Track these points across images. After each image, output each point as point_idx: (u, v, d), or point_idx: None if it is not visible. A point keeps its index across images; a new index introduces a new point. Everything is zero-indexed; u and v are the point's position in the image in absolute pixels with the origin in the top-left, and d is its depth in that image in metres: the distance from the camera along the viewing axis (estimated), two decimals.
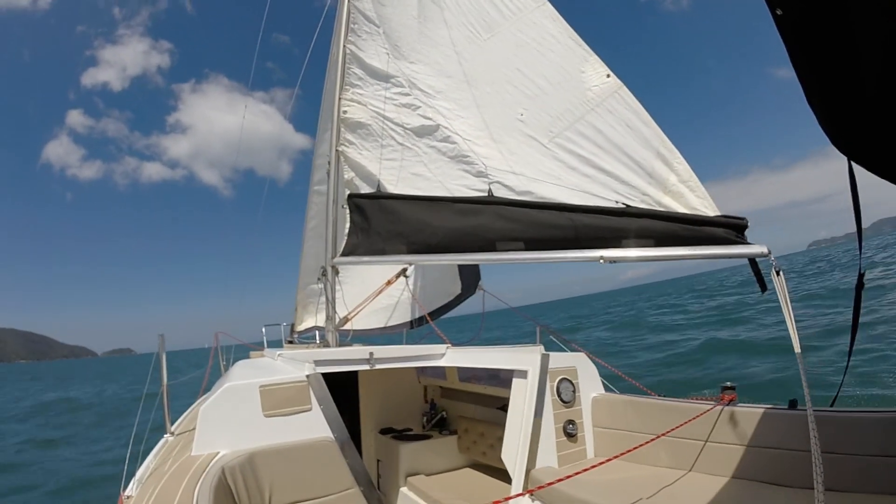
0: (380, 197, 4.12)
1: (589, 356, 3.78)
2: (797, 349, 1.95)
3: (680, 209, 2.69)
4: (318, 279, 4.79)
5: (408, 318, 6.43)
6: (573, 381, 3.53)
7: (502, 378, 3.96)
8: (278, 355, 3.69)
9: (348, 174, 4.44)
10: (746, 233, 2.50)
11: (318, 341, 6.65)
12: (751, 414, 2.83)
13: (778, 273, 2.13)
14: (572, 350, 3.91)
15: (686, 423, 2.97)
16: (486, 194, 3.46)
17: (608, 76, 3.09)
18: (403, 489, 4.27)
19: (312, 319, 7.00)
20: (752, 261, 2.36)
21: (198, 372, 5.18)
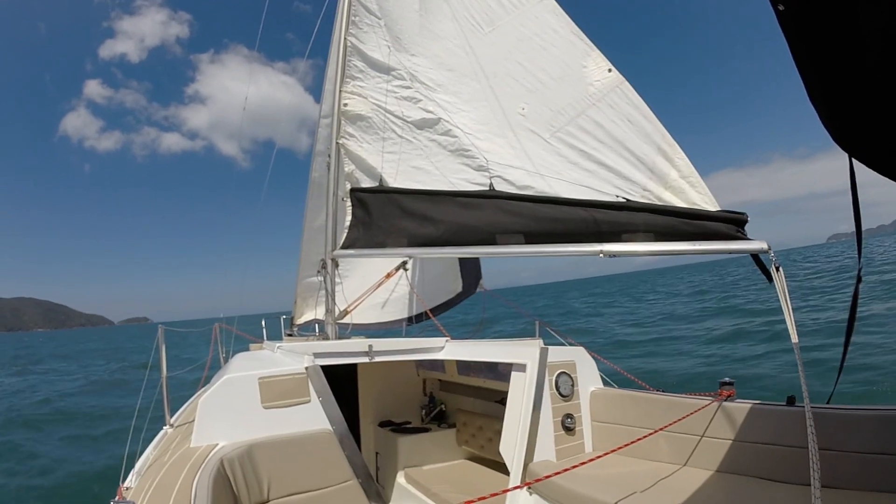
0: (382, 191, 4.11)
1: (587, 350, 3.80)
2: (795, 343, 1.96)
3: (680, 204, 2.69)
4: (318, 272, 4.79)
5: (407, 313, 6.44)
6: (572, 375, 3.54)
7: (501, 371, 3.97)
8: (277, 347, 3.69)
9: (349, 167, 4.43)
10: (746, 228, 2.50)
11: (317, 334, 6.66)
12: (748, 410, 2.84)
13: (777, 269, 2.14)
14: (571, 344, 3.92)
15: (684, 418, 2.98)
16: (487, 188, 3.46)
17: (609, 71, 3.08)
18: (402, 482, 4.29)
19: (312, 312, 7.01)
20: (755, 254, 2.37)
21: (197, 363, 5.20)
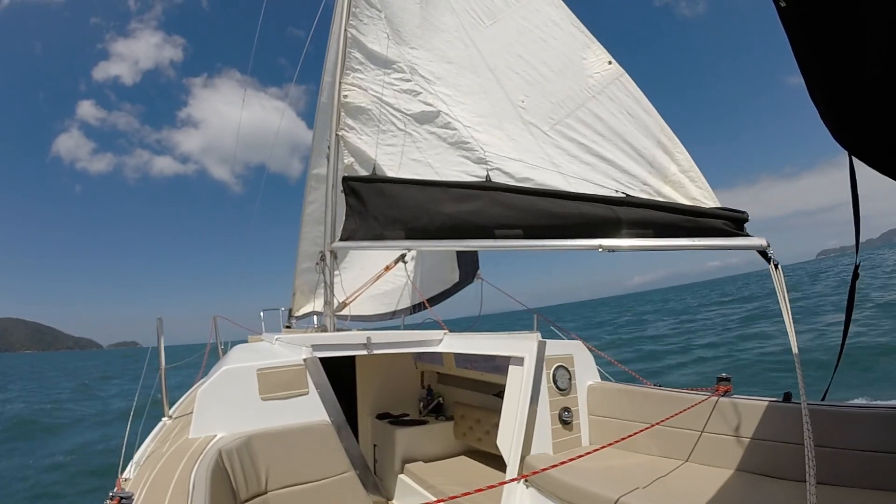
0: (375, 180, 4.08)
1: (585, 344, 3.79)
2: (793, 341, 1.96)
3: (680, 199, 2.67)
4: (317, 264, 4.78)
5: (406, 305, 6.44)
6: (569, 369, 3.54)
7: (499, 365, 3.97)
8: (276, 339, 3.70)
9: (348, 159, 4.41)
10: (746, 227, 2.49)
11: (315, 326, 6.67)
12: (745, 406, 2.84)
13: (776, 266, 2.13)
14: (569, 338, 3.92)
15: (680, 413, 2.99)
16: (484, 181, 3.44)
17: (610, 63, 3.06)
18: (399, 474, 4.31)
19: (310, 305, 7.01)
20: (763, 253, 2.35)
21: (196, 355, 5.20)
